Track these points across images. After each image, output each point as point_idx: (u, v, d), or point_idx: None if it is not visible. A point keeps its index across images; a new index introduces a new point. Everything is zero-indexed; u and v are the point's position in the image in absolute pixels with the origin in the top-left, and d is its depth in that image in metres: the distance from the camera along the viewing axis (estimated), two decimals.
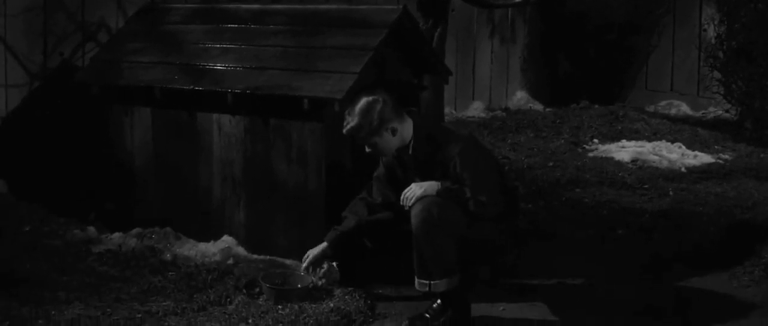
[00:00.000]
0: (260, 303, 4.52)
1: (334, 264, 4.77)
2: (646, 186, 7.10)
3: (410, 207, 4.28)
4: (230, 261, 5.03)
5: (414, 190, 4.30)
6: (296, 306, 4.45)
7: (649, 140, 8.75)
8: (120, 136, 5.59)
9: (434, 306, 4.36)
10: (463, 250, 4.33)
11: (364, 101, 4.39)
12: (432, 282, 4.27)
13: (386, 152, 4.51)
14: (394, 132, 4.41)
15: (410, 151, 4.46)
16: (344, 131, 4.45)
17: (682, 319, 4.50)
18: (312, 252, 4.68)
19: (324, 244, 4.65)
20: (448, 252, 4.26)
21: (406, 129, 4.45)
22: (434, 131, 4.51)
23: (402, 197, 4.35)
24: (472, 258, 4.46)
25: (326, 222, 4.90)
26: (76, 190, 5.85)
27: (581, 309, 4.61)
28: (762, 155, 8.40)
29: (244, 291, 4.61)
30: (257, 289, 4.61)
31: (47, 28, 6.33)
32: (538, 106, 10.68)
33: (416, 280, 4.33)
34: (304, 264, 4.67)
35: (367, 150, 4.49)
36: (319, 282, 4.63)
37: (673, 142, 8.72)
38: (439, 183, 4.31)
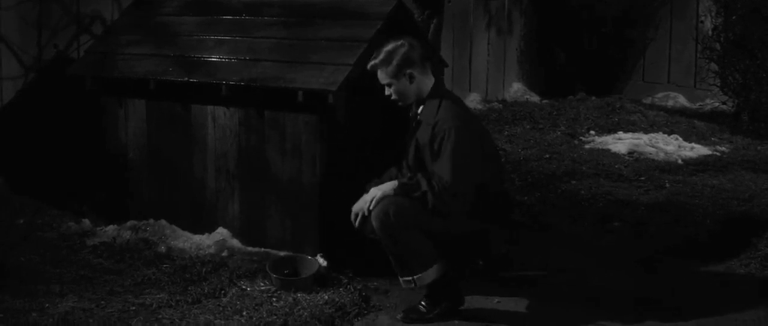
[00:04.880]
0: (254, 295, 4.52)
1: (319, 256, 4.78)
2: (642, 178, 7.09)
3: (371, 211, 4.26)
4: (224, 254, 5.03)
5: (372, 193, 4.28)
6: (290, 298, 4.45)
7: (646, 132, 8.75)
8: (114, 129, 5.58)
9: (428, 298, 4.36)
10: (443, 243, 4.31)
11: (391, 42, 4.39)
12: (415, 276, 4.26)
13: (402, 99, 4.42)
14: (411, 78, 4.35)
15: (419, 110, 4.40)
16: (368, 67, 4.44)
17: (676, 311, 4.50)
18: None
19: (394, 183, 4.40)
20: (419, 245, 4.23)
21: (425, 84, 4.38)
22: (447, 100, 4.36)
23: (353, 209, 4.34)
24: (456, 249, 4.46)
25: (320, 214, 4.90)
26: (71, 183, 5.84)
27: (576, 301, 4.61)
28: (759, 147, 8.40)
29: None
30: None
31: (42, 20, 6.31)
32: (535, 98, 10.68)
33: (400, 280, 4.33)
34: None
35: (386, 93, 4.44)
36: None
37: (669, 134, 8.72)
38: (396, 182, 4.28)
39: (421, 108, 4.40)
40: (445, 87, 4.57)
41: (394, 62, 4.34)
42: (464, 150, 4.20)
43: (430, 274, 4.26)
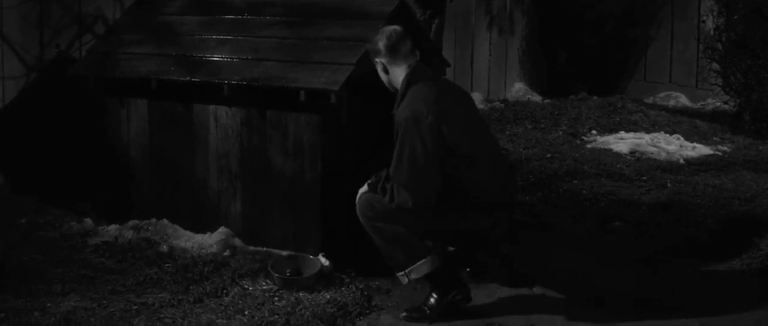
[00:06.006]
0: (256, 294, 4.52)
1: (321, 255, 4.78)
2: (644, 178, 7.09)
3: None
4: (227, 253, 5.03)
5: (359, 191, 4.36)
6: (292, 298, 4.45)
7: (648, 132, 8.75)
8: (116, 128, 5.58)
9: (431, 297, 4.37)
10: (444, 241, 4.35)
11: (382, 28, 4.44)
12: (406, 269, 4.27)
13: (386, 85, 4.43)
14: (384, 69, 4.37)
15: (396, 101, 4.35)
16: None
17: (677, 311, 4.50)
18: None
19: None
20: (403, 239, 4.23)
21: (397, 74, 4.34)
22: (413, 88, 4.26)
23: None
24: (458, 246, 4.48)
25: (322, 213, 4.90)
26: (73, 182, 5.84)
27: (577, 301, 4.61)
28: (760, 147, 8.40)
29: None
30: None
31: (44, 20, 6.31)
32: (537, 98, 10.68)
33: (397, 276, 4.34)
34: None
35: None
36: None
37: (671, 133, 8.72)
38: (368, 181, 4.33)
39: (396, 100, 4.36)
40: (421, 74, 4.34)
41: (371, 48, 4.41)
42: (411, 145, 4.11)
43: (422, 268, 4.25)
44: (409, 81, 4.28)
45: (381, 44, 4.35)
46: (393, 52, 4.33)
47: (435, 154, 4.13)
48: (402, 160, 4.13)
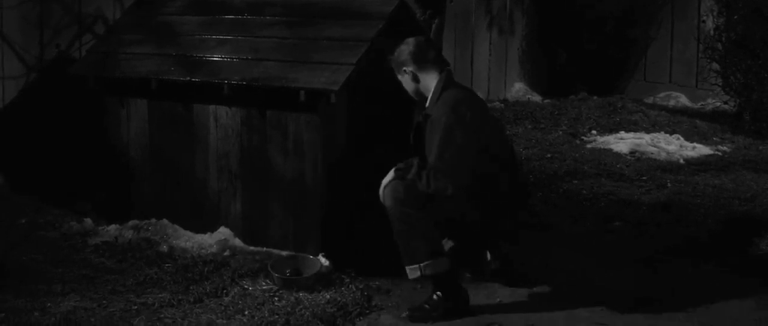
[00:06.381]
0: (256, 294, 4.52)
1: (321, 255, 4.78)
2: (644, 178, 7.09)
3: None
4: (226, 253, 5.03)
5: (382, 183, 4.40)
6: (292, 298, 4.45)
7: (648, 132, 8.76)
8: (116, 128, 5.58)
9: (433, 297, 4.37)
10: (450, 233, 4.41)
11: (403, 40, 4.59)
12: (421, 264, 4.28)
13: (411, 93, 4.59)
14: (414, 77, 4.53)
15: (427, 104, 4.52)
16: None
17: (677, 311, 4.49)
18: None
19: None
20: (427, 231, 4.27)
21: (428, 81, 4.52)
22: (447, 92, 4.46)
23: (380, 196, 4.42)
24: (466, 243, 4.51)
25: (323, 214, 4.90)
26: (73, 182, 5.84)
27: (577, 300, 4.61)
28: (761, 147, 8.40)
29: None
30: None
31: (44, 20, 6.31)
32: (537, 98, 10.68)
33: (407, 269, 4.34)
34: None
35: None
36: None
37: (671, 133, 8.72)
38: (394, 168, 4.41)
39: (428, 103, 4.51)
40: (453, 80, 4.59)
41: (395, 60, 4.56)
42: (452, 136, 4.28)
43: (439, 265, 4.29)
44: (444, 85, 4.47)
45: (408, 54, 4.51)
46: (422, 60, 4.52)
47: (473, 148, 4.33)
48: (445, 149, 4.27)
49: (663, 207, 6.27)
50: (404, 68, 4.52)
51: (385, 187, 4.36)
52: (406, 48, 4.53)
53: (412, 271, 4.32)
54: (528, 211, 6.01)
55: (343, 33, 5.10)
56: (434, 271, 4.29)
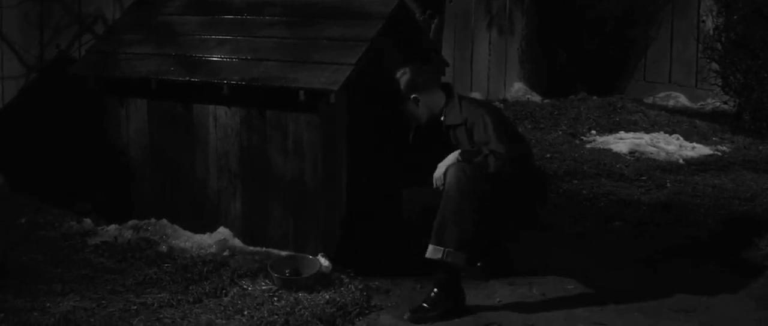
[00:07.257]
0: (256, 294, 4.52)
1: (321, 256, 4.78)
2: (643, 178, 7.09)
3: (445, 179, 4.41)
4: (226, 253, 5.03)
5: (439, 167, 4.48)
6: (292, 298, 4.45)
7: (647, 132, 8.76)
8: (116, 128, 5.58)
9: (432, 295, 4.38)
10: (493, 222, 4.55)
11: (399, 71, 4.82)
12: (446, 249, 4.30)
13: (416, 119, 4.82)
14: (417, 102, 4.75)
15: (442, 118, 4.74)
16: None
17: (677, 311, 4.50)
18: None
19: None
20: (470, 222, 4.32)
21: (435, 101, 4.77)
22: (464, 99, 4.78)
23: (434, 180, 4.50)
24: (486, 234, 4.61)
25: (322, 214, 4.90)
26: (72, 182, 5.84)
27: (577, 300, 4.61)
28: (760, 147, 8.40)
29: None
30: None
31: (44, 20, 6.31)
32: (536, 98, 10.68)
33: (430, 247, 4.34)
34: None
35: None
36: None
37: (671, 133, 8.73)
38: (458, 151, 4.49)
39: (443, 117, 4.73)
40: (451, 88, 4.90)
41: (401, 88, 4.77)
42: (503, 120, 4.66)
43: (458, 257, 4.32)
44: (453, 94, 4.79)
45: (412, 80, 4.76)
46: (429, 82, 4.80)
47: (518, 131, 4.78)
48: (501, 131, 4.53)
49: (663, 207, 6.27)
50: (411, 95, 4.74)
51: (448, 167, 4.41)
52: (406, 77, 4.76)
53: (435, 251, 4.32)
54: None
55: (343, 33, 5.10)
56: (454, 260, 4.32)
